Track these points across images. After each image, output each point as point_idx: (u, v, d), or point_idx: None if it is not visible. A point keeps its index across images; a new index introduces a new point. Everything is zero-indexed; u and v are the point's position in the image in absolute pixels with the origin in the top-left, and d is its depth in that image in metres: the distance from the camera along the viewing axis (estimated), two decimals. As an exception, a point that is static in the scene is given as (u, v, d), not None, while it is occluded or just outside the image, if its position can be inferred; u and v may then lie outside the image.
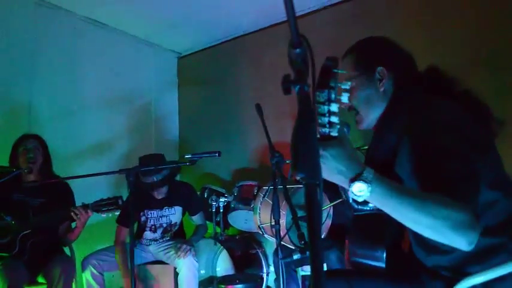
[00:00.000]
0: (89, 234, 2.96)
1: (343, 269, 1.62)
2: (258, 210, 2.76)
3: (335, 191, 2.34)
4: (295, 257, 1.57)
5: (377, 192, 1.04)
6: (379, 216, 1.19)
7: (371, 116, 1.47)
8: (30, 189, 2.89)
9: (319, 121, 0.97)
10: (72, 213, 2.68)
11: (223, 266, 3.63)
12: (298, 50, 0.80)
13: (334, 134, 0.99)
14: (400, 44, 1.51)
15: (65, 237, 2.95)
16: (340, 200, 2.03)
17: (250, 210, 3.40)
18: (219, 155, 2.34)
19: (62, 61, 3.98)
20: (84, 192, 2.99)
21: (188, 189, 3.46)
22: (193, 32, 4.73)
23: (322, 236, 2.85)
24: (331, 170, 1.05)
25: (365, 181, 1.03)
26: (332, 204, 2.14)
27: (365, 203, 1.07)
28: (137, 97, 4.78)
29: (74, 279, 2.75)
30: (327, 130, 0.98)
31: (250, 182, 3.63)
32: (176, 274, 3.02)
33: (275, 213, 1.91)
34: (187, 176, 4.55)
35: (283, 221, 2.49)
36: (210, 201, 3.67)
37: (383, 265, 1.28)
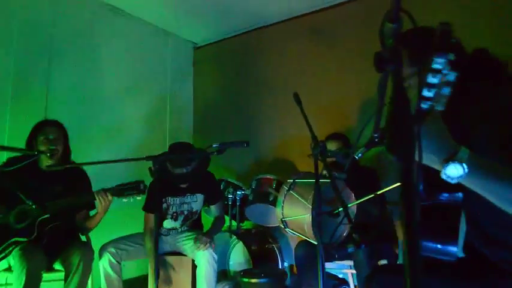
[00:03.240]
0: (104, 222, 2.88)
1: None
2: (282, 204, 2.69)
3: (362, 188, 2.29)
4: (350, 250, 1.52)
5: (474, 174, 0.95)
6: (448, 207, 1.13)
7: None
8: (48, 175, 2.82)
9: (424, 93, 0.84)
10: (95, 197, 2.64)
11: (236, 259, 3.58)
12: (395, 24, 0.75)
13: (440, 108, 0.85)
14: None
15: (84, 225, 2.88)
16: (368, 197, 1.96)
17: (269, 204, 3.36)
18: (247, 145, 2.28)
19: (80, 46, 3.94)
20: (101, 180, 2.90)
21: (210, 177, 3.38)
22: (210, 23, 4.70)
23: (345, 234, 2.78)
24: (423, 149, 0.93)
25: (460, 162, 0.93)
26: (359, 201, 2.07)
27: (440, 193, 1.01)
28: (153, 85, 4.75)
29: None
30: (427, 104, 0.85)
31: (268, 176, 3.59)
32: (194, 266, 2.98)
33: (316, 204, 1.85)
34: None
35: (309, 215, 2.44)
36: (226, 194, 3.64)
37: (452, 259, 1.22)
